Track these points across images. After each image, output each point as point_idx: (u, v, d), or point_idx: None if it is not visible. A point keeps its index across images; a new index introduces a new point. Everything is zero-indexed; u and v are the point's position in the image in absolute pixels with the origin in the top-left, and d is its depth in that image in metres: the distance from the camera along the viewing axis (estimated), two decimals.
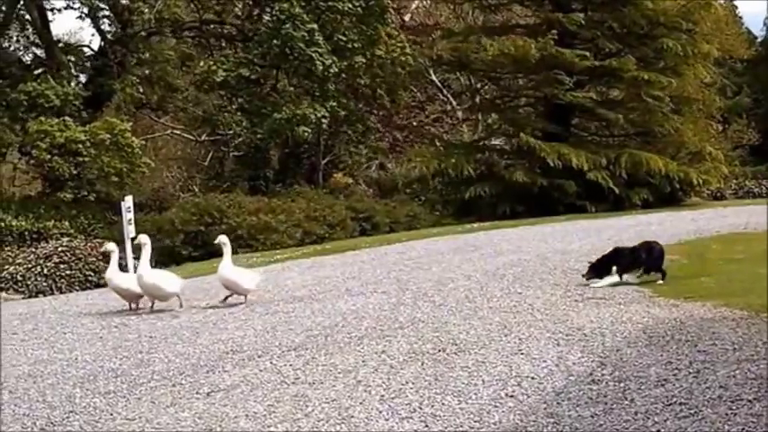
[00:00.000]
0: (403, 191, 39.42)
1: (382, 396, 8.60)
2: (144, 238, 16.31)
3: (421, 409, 8.12)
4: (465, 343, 10.56)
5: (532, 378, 8.85)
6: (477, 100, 44.94)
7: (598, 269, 14.39)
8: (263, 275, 16.81)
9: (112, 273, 16.30)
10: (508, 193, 35.48)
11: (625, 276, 14.24)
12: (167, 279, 15.95)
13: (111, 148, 30.57)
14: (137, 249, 17.05)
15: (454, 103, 47.12)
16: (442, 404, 8.21)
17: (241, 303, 15.31)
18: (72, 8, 35.57)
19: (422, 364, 9.69)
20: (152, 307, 15.80)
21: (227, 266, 15.72)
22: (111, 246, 16.93)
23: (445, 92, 46.90)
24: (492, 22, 41.75)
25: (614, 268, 14.25)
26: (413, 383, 8.95)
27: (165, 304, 15.73)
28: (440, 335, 11.12)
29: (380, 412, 8.12)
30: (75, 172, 30.47)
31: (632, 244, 15.25)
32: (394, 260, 20.78)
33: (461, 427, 7.61)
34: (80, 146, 30.06)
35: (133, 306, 15.99)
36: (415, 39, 41.20)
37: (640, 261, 14.38)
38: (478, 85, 45.22)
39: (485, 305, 13.01)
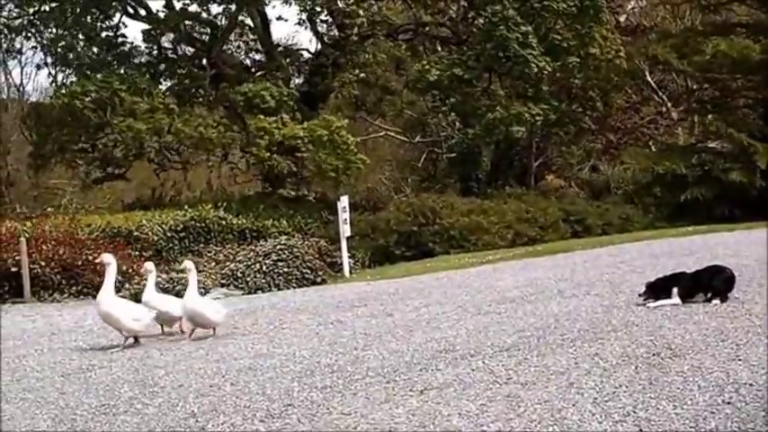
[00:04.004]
0: (616, 193, 38.90)
1: (595, 399, 8.53)
2: (149, 266, 14.92)
3: (635, 412, 8.02)
4: (680, 347, 10.38)
5: (751, 385, 8.61)
6: (694, 101, 43.95)
7: (656, 290, 13.55)
8: (227, 308, 14.96)
9: (149, 295, 14.45)
10: (725, 195, 34.56)
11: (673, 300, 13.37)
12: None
13: (327, 145, 31.20)
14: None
15: (669, 104, 46.18)
16: (657, 408, 8.10)
17: (209, 336, 13.99)
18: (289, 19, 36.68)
19: (635, 368, 9.57)
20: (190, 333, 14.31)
21: (192, 297, 14.13)
22: (149, 266, 15.06)
23: (660, 93, 46.01)
24: (711, 22, 40.76)
25: (675, 290, 13.40)
26: (626, 387, 8.85)
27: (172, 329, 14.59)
28: (654, 339, 10.96)
29: (593, 415, 8.06)
30: (293, 169, 31.22)
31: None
32: (607, 263, 20.55)
33: None
34: (298, 142, 30.81)
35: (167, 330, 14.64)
36: (630, 39, 40.59)
37: (703, 285, 13.45)
38: (695, 87, 44.20)
39: (700, 310, 12.74)
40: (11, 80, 50.03)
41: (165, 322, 14.43)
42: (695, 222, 32.25)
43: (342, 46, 36.21)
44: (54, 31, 36.29)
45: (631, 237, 28.83)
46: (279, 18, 37.73)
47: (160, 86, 35.41)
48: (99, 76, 33.67)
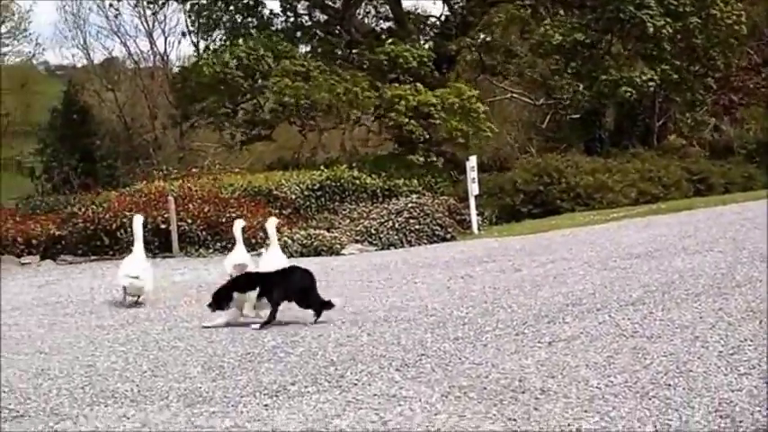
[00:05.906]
0: (739, 153, 38.45)
1: (720, 352, 8.58)
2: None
3: (760, 365, 8.04)
4: None
5: None
6: None
7: (224, 299, 11.98)
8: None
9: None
10: None
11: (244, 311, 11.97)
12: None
13: (458, 112, 31.70)
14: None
15: None
16: None
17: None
18: None
19: (760, 323, 9.62)
20: None
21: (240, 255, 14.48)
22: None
23: None
24: None
25: (235, 294, 11.88)
26: (751, 341, 8.89)
27: None
28: None
29: (719, 367, 8.10)
30: (426, 135, 31.76)
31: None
32: (729, 220, 20.44)
33: None
34: (432, 109, 31.36)
35: None
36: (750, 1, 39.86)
37: (282, 290, 11.78)
38: None
39: None
40: (156, 49, 51.66)
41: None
42: None
43: (468, 10, 36.48)
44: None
45: (754, 195, 28.50)
46: None
47: (300, 51, 36.15)
48: (241, 42, 34.58)
